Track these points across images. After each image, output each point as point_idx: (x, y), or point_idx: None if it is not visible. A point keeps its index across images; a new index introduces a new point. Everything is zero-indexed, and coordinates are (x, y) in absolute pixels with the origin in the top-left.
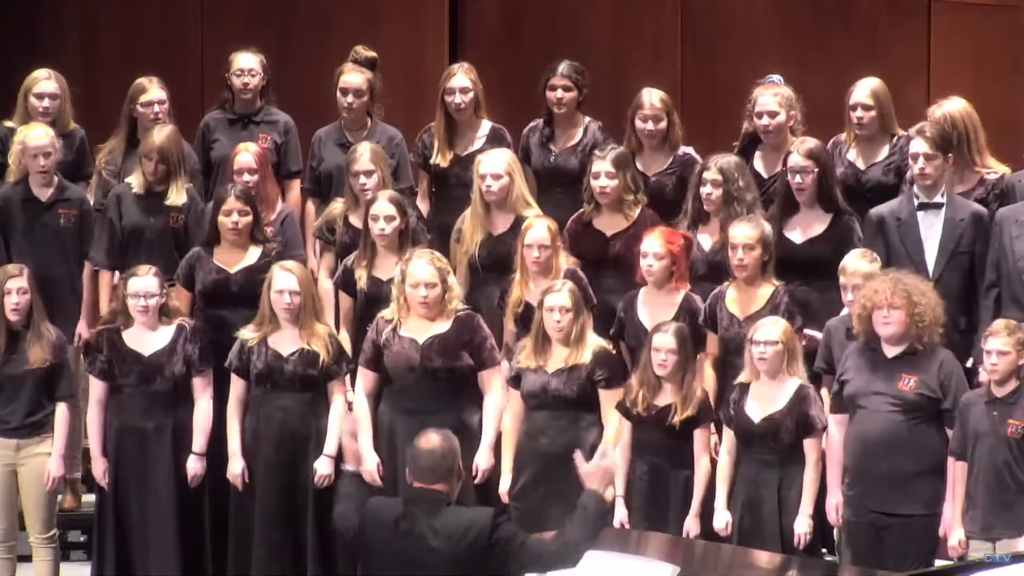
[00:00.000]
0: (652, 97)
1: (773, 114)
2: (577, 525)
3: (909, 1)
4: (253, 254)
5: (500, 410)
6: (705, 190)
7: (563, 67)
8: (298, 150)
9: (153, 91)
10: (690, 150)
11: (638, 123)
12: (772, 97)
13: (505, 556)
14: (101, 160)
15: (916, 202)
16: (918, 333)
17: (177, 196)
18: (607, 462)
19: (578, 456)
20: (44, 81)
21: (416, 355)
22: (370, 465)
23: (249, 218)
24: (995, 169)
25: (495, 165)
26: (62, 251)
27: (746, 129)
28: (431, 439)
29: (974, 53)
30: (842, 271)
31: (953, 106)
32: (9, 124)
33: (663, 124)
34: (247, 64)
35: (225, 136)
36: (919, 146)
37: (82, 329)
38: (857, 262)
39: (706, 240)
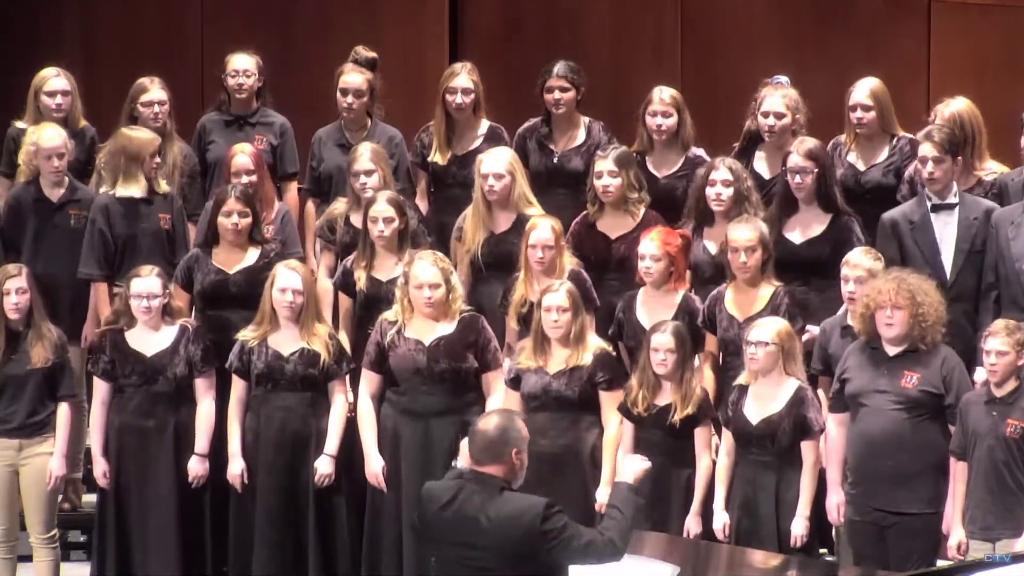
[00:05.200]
0: (663, 93)
1: (779, 115)
2: (617, 516)
3: (909, 1)
4: (252, 255)
5: None
6: (715, 190)
7: (559, 67)
8: (294, 151)
9: (154, 92)
10: (701, 152)
11: (647, 119)
12: (780, 99)
13: (553, 547)
14: (100, 160)
15: (929, 204)
16: (921, 333)
17: (163, 189)
18: (644, 464)
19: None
20: (54, 79)
21: (422, 357)
22: (375, 467)
23: (249, 219)
24: (995, 170)
25: (497, 164)
26: (72, 252)
27: (748, 127)
28: (489, 419)
29: (974, 53)
30: (845, 263)
31: (960, 106)
32: (20, 124)
33: (672, 120)
34: (243, 65)
35: (221, 137)
36: (927, 150)
37: (89, 331)
38: (861, 256)
39: (712, 243)
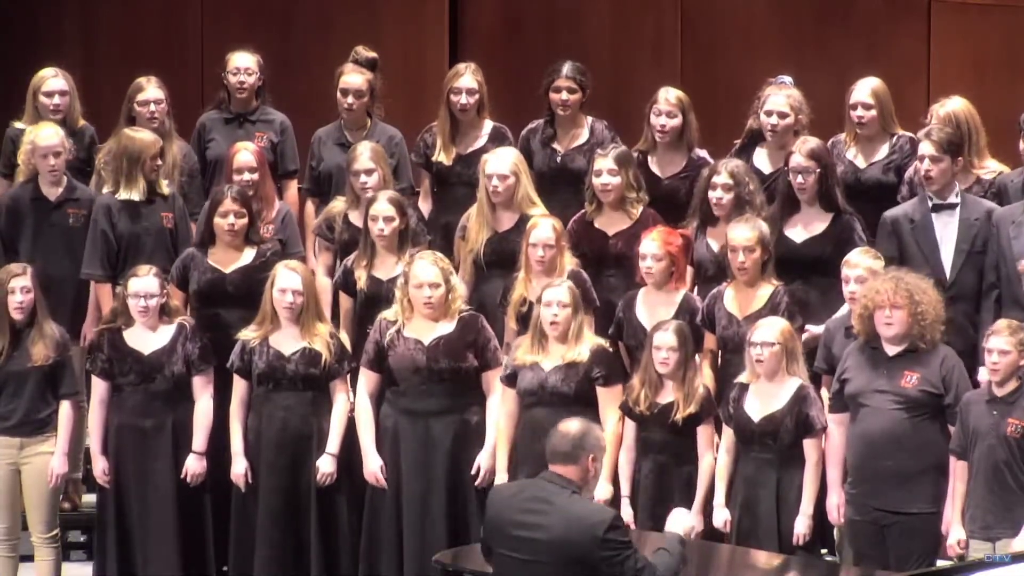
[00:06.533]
0: (668, 94)
1: (783, 115)
2: (666, 557)
3: (909, 1)
4: (248, 254)
5: None
6: (716, 194)
7: (567, 68)
8: (294, 150)
9: (150, 91)
10: (704, 153)
11: (652, 118)
12: (784, 98)
13: (609, 559)
14: (100, 160)
15: (930, 203)
16: (920, 332)
17: (164, 189)
18: (692, 521)
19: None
20: (52, 79)
21: (422, 356)
22: (373, 467)
23: (245, 219)
24: (994, 168)
25: (501, 165)
26: (71, 250)
27: (751, 125)
28: (570, 423)
29: (974, 53)
30: (846, 263)
31: (957, 105)
32: (19, 125)
33: (677, 121)
34: (243, 63)
35: (221, 135)
36: (926, 148)
37: (88, 330)
38: (861, 256)
39: (715, 241)
